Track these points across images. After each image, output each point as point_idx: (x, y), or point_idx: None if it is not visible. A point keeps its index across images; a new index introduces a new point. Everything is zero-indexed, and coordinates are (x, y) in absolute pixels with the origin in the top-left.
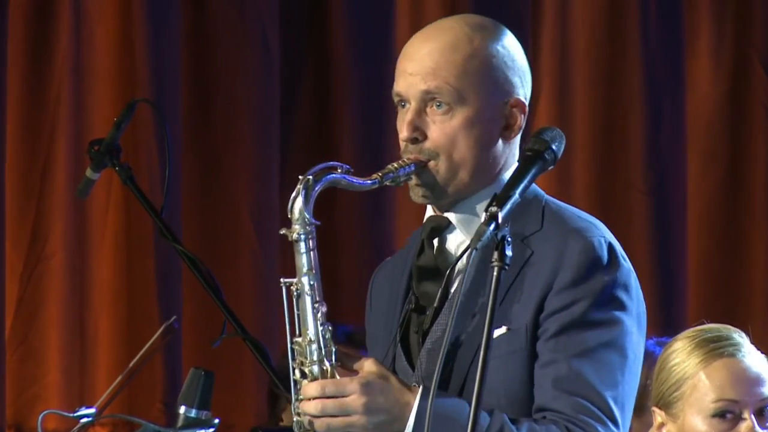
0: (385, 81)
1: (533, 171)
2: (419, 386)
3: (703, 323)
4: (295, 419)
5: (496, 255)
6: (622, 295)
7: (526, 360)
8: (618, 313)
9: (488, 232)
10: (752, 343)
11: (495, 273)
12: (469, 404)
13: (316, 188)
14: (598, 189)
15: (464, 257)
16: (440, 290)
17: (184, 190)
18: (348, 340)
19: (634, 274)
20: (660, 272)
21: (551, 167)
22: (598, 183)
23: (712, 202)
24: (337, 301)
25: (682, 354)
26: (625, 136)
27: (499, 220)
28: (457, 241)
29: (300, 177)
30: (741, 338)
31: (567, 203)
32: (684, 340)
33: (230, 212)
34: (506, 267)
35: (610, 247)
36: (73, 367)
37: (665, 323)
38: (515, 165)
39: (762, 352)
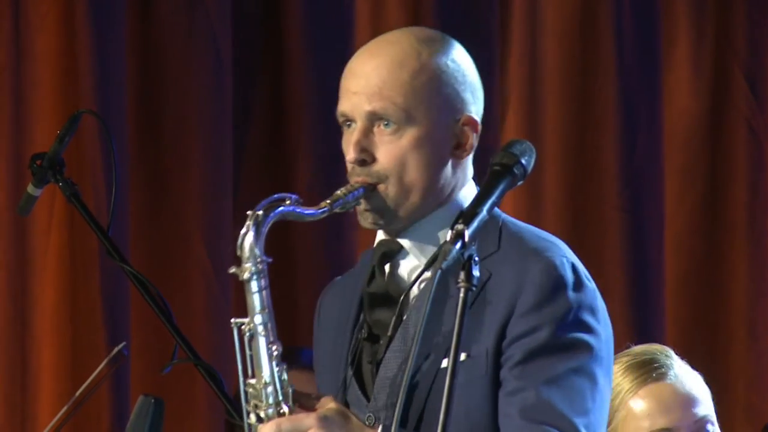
0: None
1: (501, 187)
2: (379, 424)
3: (629, 347)
4: None
5: (462, 275)
6: (588, 318)
7: (487, 387)
8: (586, 337)
9: (454, 251)
10: (726, 365)
11: (462, 294)
12: None
13: (267, 223)
14: (570, 206)
15: (419, 282)
16: (394, 318)
17: (131, 208)
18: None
19: (600, 295)
20: (635, 294)
21: (521, 182)
22: (570, 200)
23: (691, 221)
24: (295, 323)
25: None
26: (599, 151)
27: (466, 239)
28: (409, 267)
29: (248, 213)
30: (668, 358)
31: (537, 220)
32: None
33: (181, 231)
34: (473, 288)
35: (573, 267)
36: (14, 396)
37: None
38: (469, 185)
39: (699, 374)
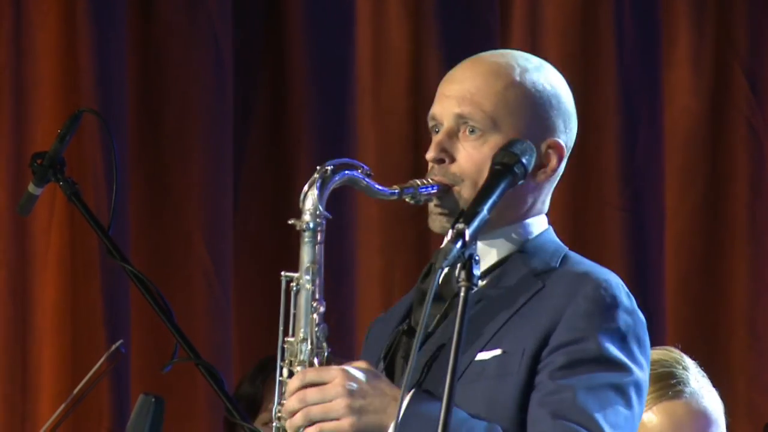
0: (345, 95)
1: (502, 186)
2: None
3: None
4: (275, 425)
5: (462, 274)
6: (635, 346)
7: (514, 386)
8: (630, 363)
9: (455, 251)
10: (727, 364)
11: (462, 293)
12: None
13: (333, 181)
14: (570, 205)
15: (436, 282)
16: (438, 315)
17: (132, 207)
18: None
19: (647, 330)
20: (636, 293)
21: (521, 182)
22: (570, 199)
23: (692, 220)
24: None
25: None
26: (599, 150)
27: (467, 238)
28: (475, 273)
29: (318, 167)
30: (684, 371)
31: None
32: None
33: (181, 230)
34: (474, 287)
35: (628, 294)
36: (14, 395)
37: None
38: (541, 217)
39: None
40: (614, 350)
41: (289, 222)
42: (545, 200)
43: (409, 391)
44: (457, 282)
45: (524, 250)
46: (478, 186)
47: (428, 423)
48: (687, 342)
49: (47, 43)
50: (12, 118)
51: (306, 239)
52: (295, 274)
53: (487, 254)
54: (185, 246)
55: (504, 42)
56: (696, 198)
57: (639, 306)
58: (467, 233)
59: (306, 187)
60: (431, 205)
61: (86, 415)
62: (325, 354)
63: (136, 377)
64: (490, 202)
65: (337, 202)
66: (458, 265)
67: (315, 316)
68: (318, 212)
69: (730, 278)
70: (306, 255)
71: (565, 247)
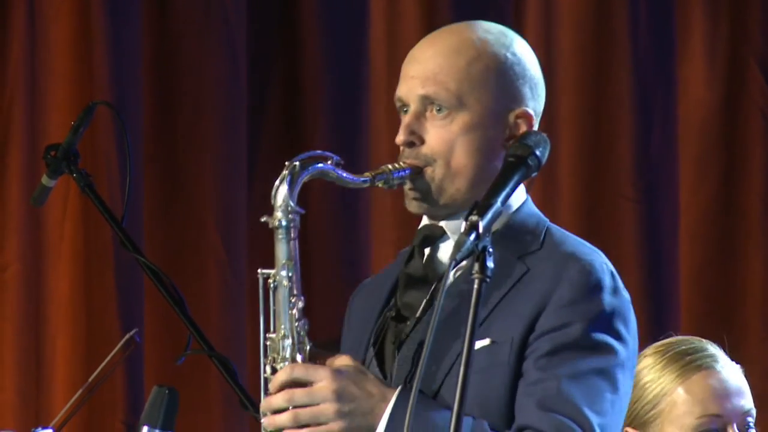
0: (359, 85)
1: (516, 178)
2: (399, 387)
3: (670, 335)
4: (263, 421)
5: (476, 266)
6: (620, 325)
7: (506, 375)
8: (615, 343)
9: (468, 243)
10: (728, 354)
11: (476, 285)
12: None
13: (303, 176)
14: (584, 197)
15: (455, 269)
16: (425, 301)
17: (146, 199)
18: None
19: (632, 308)
20: (650, 284)
21: (535, 174)
22: (584, 191)
23: (706, 212)
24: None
25: (654, 370)
26: (614, 142)
27: (480, 230)
28: (449, 252)
29: (286, 163)
30: (715, 349)
31: (552, 211)
32: (654, 355)
33: (195, 221)
34: (487, 279)
35: (612, 274)
36: (29, 385)
37: (655, 340)
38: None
39: (737, 362)
40: (598, 334)
41: (261, 219)
42: None
43: (405, 389)
44: (470, 275)
45: (506, 228)
46: (450, 165)
47: (422, 422)
48: (701, 334)
49: (61, 36)
50: (26, 111)
51: (280, 236)
52: (272, 271)
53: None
54: (199, 237)
55: (518, 33)
56: (710, 190)
57: (651, 294)
58: (481, 225)
59: (276, 184)
60: (406, 188)
61: (101, 406)
62: (307, 349)
63: (150, 369)
64: (503, 194)
65: (351, 195)
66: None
67: (294, 311)
68: (290, 208)
69: (745, 270)
70: (281, 252)
71: (545, 219)
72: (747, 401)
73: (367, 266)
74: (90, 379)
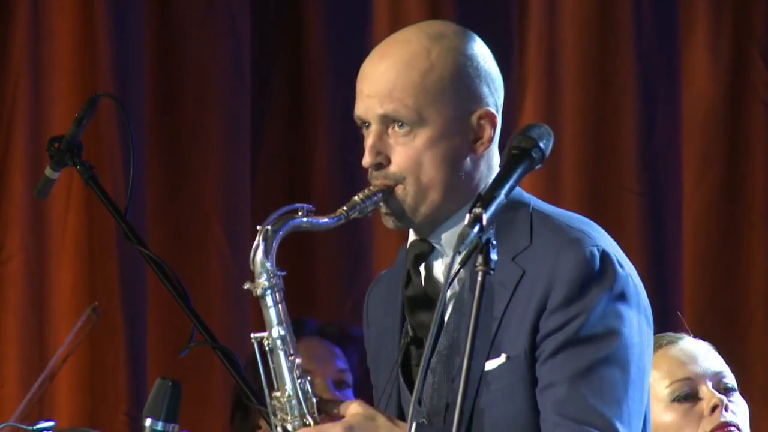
0: None
1: (519, 170)
2: (413, 423)
3: None
4: None
5: (480, 259)
6: (619, 306)
7: (529, 388)
8: (616, 325)
9: (472, 235)
10: (744, 349)
11: (479, 278)
12: None
13: (277, 237)
14: (588, 189)
15: (455, 280)
16: (434, 323)
17: (149, 191)
18: (319, 333)
19: (635, 278)
20: (653, 277)
21: (538, 166)
22: (588, 183)
23: (709, 204)
24: (314, 303)
25: None
26: (617, 134)
27: (484, 222)
28: (443, 266)
29: (258, 227)
30: (678, 334)
31: (556, 204)
32: None
33: (198, 213)
34: (491, 272)
35: (604, 255)
36: (32, 377)
37: (659, 332)
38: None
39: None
40: (597, 322)
41: (245, 287)
42: (492, 165)
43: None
44: (474, 267)
45: (492, 227)
46: (421, 180)
47: None
48: (704, 326)
49: (65, 28)
50: (29, 102)
51: (267, 303)
52: (264, 334)
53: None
54: (202, 230)
55: (522, 27)
56: (713, 181)
57: (654, 286)
58: (484, 218)
59: (253, 249)
60: (381, 211)
61: (104, 399)
62: (314, 402)
63: (153, 361)
64: (507, 186)
65: (354, 189)
66: (460, 257)
67: (296, 371)
68: (270, 272)
69: (748, 262)
70: (271, 317)
71: (527, 198)
72: (716, 364)
73: (370, 259)
74: (52, 362)
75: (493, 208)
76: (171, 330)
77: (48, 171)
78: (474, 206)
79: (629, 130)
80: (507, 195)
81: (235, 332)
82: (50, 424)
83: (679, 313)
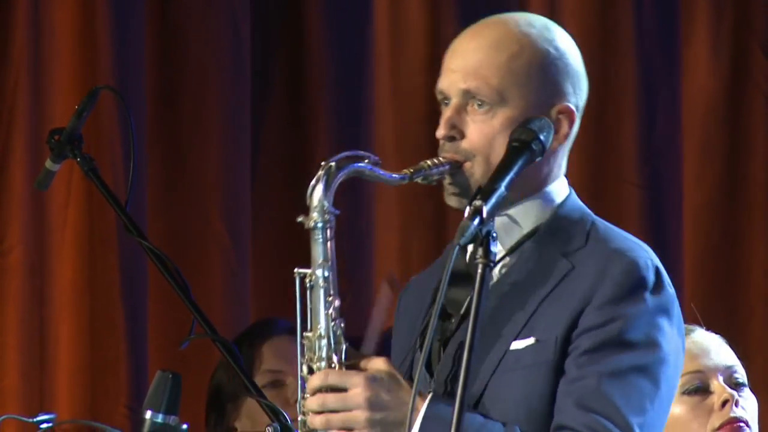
0: (363, 77)
1: (520, 163)
2: (430, 393)
3: None
4: (300, 418)
5: (480, 251)
6: (663, 321)
7: (550, 374)
8: (657, 338)
9: (472, 227)
10: (744, 341)
11: (479, 270)
12: (484, 416)
13: (338, 176)
14: (588, 183)
15: (499, 267)
16: (469, 298)
17: (150, 184)
18: (291, 333)
19: (678, 303)
20: None
21: (539, 159)
22: (588, 177)
23: (710, 197)
24: None
25: None
26: (618, 128)
27: (484, 215)
28: (493, 250)
29: (322, 163)
30: (690, 326)
31: None
32: None
33: (199, 206)
34: (491, 264)
35: (657, 270)
36: (32, 371)
37: None
38: (560, 180)
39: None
40: (640, 330)
41: (297, 220)
42: (561, 164)
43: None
44: (475, 259)
45: (550, 222)
46: (490, 160)
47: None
48: (705, 320)
49: (65, 21)
50: (30, 95)
51: (316, 237)
52: (308, 270)
53: (513, 229)
54: (203, 222)
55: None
56: (714, 176)
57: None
58: (485, 210)
59: (312, 184)
60: (445, 183)
61: (104, 391)
62: (343, 348)
63: (153, 353)
64: (507, 178)
65: (354, 179)
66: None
67: (331, 311)
68: (325, 209)
69: (749, 256)
70: (317, 252)
71: (589, 213)
72: (728, 358)
73: (369, 249)
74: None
75: (493, 200)
76: (171, 322)
77: (48, 163)
78: (474, 198)
79: (630, 125)
80: (507, 187)
81: (236, 324)
82: (51, 416)
83: (692, 305)
